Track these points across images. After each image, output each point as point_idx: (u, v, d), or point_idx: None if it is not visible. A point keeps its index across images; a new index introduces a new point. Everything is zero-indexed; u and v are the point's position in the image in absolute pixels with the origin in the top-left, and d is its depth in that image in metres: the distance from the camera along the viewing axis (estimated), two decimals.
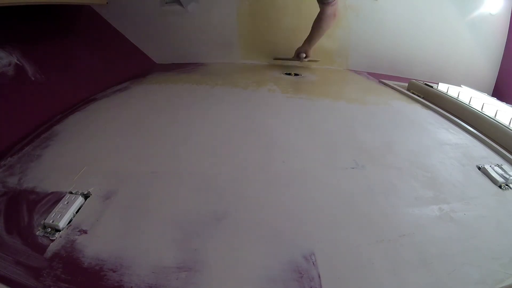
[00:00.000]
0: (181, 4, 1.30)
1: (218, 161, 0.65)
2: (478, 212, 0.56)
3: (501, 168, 0.69)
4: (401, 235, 0.49)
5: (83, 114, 0.85)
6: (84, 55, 1.11)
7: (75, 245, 0.45)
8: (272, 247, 0.46)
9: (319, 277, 0.42)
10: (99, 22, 1.28)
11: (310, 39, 1.26)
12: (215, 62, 1.40)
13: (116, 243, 0.46)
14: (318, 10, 1.20)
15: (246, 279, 0.42)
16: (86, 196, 0.53)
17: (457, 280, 0.43)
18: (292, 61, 1.37)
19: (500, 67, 1.51)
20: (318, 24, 1.21)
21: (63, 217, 0.48)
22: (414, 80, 1.23)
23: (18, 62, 0.83)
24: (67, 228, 0.47)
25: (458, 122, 0.92)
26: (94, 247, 0.45)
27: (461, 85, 1.18)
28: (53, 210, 0.49)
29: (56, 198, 0.52)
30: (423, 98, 1.11)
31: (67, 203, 0.51)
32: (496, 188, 0.64)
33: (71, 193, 0.53)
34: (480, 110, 0.93)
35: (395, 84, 1.26)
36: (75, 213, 0.50)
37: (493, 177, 0.66)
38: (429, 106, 1.04)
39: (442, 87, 1.13)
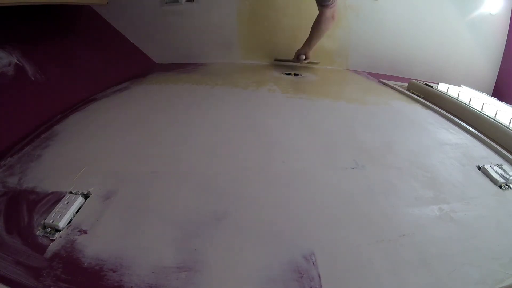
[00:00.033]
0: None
1: (218, 161, 0.65)
2: (478, 212, 0.56)
3: (501, 168, 0.69)
4: (401, 235, 0.49)
5: (83, 114, 0.85)
6: (84, 55, 1.11)
7: (75, 245, 0.45)
8: (272, 247, 0.46)
9: (319, 277, 0.42)
10: (99, 22, 1.28)
11: (310, 41, 1.27)
12: (215, 62, 1.40)
13: (116, 243, 0.46)
14: (318, 10, 1.20)
15: (246, 279, 0.41)
16: (86, 196, 0.53)
17: (457, 280, 0.43)
18: (292, 63, 1.37)
19: (500, 67, 1.51)
20: (317, 26, 1.22)
21: (63, 217, 0.48)
22: (414, 80, 1.23)
23: (18, 62, 0.83)
24: (67, 228, 0.47)
25: (458, 122, 0.92)
26: (94, 247, 0.45)
27: (461, 85, 1.18)
28: (53, 210, 0.49)
29: (56, 198, 0.52)
30: (423, 98, 1.11)
31: (67, 203, 0.51)
32: (496, 188, 0.64)
33: (71, 193, 0.53)
34: (480, 110, 0.93)
35: (395, 84, 1.26)
36: (75, 213, 0.50)
37: (493, 177, 0.66)
38: (429, 106, 1.04)
39: (442, 87, 1.13)
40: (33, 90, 0.83)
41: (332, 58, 1.47)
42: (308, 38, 1.27)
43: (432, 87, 1.14)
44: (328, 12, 1.18)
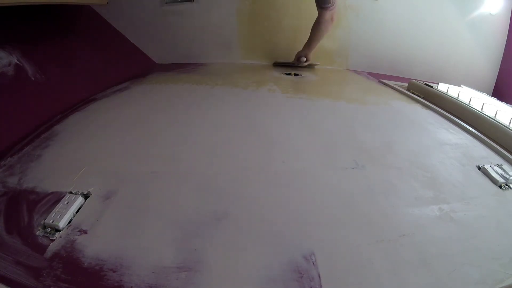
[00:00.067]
0: None
1: (218, 161, 0.65)
2: (478, 212, 0.56)
3: (501, 168, 0.69)
4: (401, 235, 0.49)
5: (83, 114, 0.85)
6: (84, 55, 1.11)
7: (75, 245, 0.45)
8: (272, 247, 0.46)
9: (319, 277, 0.42)
10: (99, 22, 1.28)
11: (310, 43, 1.28)
12: (215, 62, 1.41)
13: (116, 243, 0.45)
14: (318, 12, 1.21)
15: (246, 279, 0.41)
16: (86, 196, 0.53)
17: (457, 280, 0.43)
18: (292, 66, 1.37)
19: (500, 67, 1.51)
20: (316, 28, 1.23)
21: (63, 217, 0.48)
22: (414, 80, 1.23)
23: (18, 62, 0.83)
24: (67, 228, 0.47)
25: (458, 122, 0.92)
26: (94, 247, 0.45)
27: (461, 85, 1.18)
28: (53, 210, 0.49)
29: (56, 198, 0.52)
30: (423, 98, 1.11)
31: (67, 203, 0.51)
32: (496, 188, 0.64)
33: (71, 193, 0.53)
34: (480, 110, 0.93)
35: (395, 84, 1.26)
36: (75, 213, 0.50)
37: (493, 177, 0.66)
38: (429, 106, 1.04)
39: (442, 87, 1.13)
40: (33, 90, 0.83)
41: (332, 58, 1.47)
42: (308, 40, 1.28)
43: (432, 87, 1.14)
44: (328, 15, 1.19)
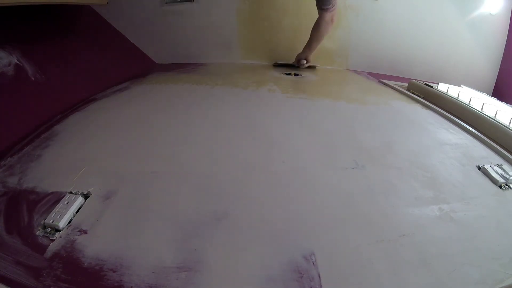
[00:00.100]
0: None
1: (218, 161, 0.65)
2: (478, 212, 0.56)
3: (501, 168, 0.69)
4: (401, 235, 0.49)
5: (83, 114, 0.85)
6: (84, 55, 1.11)
7: (75, 245, 0.45)
8: (272, 247, 0.46)
9: (319, 277, 0.42)
10: (99, 22, 1.28)
11: (310, 44, 1.28)
12: (215, 62, 1.41)
13: (116, 243, 0.45)
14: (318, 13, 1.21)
15: (246, 279, 0.41)
16: (86, 196, 0.53)
17: (457, 280, 0.43)
18: (292, 67, 1.37)
19: (500, 67, 1.51)
20: (317, 29, 1.23)
21: (63, 217, 0.48)
22: (414, 80, 1.23)
23: (18, 62, 0.83)
24: (67, 228, 0.47)
25: (458, 122, 0.92)
26: (94, 247, 0.45)
27: (461, 85, 1.18)
28: (53, 210, 0.49)
29: (56, 198, 0.52)
30: (423, 98, 1.11)
31: (67, 203, 0.51)
32: (496, 188, 0.64)
33: (71, 193, 0.53)
34: (480, 110, 0.93)
35: (395, 84, 1.26)
36: (75, 213, 0.50)
37: (493, 177, 0.66)
38: (429, 106, 1.04)
39: (442, 87, 1.13)
40: (33, 90, 0.83)
41: (332, 58, 1.47)
42: (308, 41, 1.28)
43: (432, 87, 1.14)
44: (328, 16, 1.19)
